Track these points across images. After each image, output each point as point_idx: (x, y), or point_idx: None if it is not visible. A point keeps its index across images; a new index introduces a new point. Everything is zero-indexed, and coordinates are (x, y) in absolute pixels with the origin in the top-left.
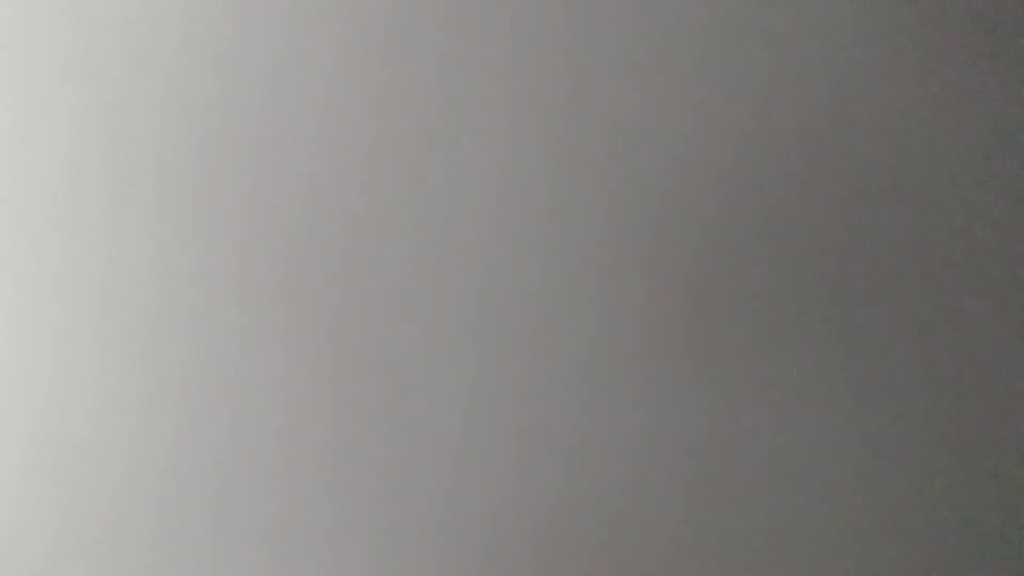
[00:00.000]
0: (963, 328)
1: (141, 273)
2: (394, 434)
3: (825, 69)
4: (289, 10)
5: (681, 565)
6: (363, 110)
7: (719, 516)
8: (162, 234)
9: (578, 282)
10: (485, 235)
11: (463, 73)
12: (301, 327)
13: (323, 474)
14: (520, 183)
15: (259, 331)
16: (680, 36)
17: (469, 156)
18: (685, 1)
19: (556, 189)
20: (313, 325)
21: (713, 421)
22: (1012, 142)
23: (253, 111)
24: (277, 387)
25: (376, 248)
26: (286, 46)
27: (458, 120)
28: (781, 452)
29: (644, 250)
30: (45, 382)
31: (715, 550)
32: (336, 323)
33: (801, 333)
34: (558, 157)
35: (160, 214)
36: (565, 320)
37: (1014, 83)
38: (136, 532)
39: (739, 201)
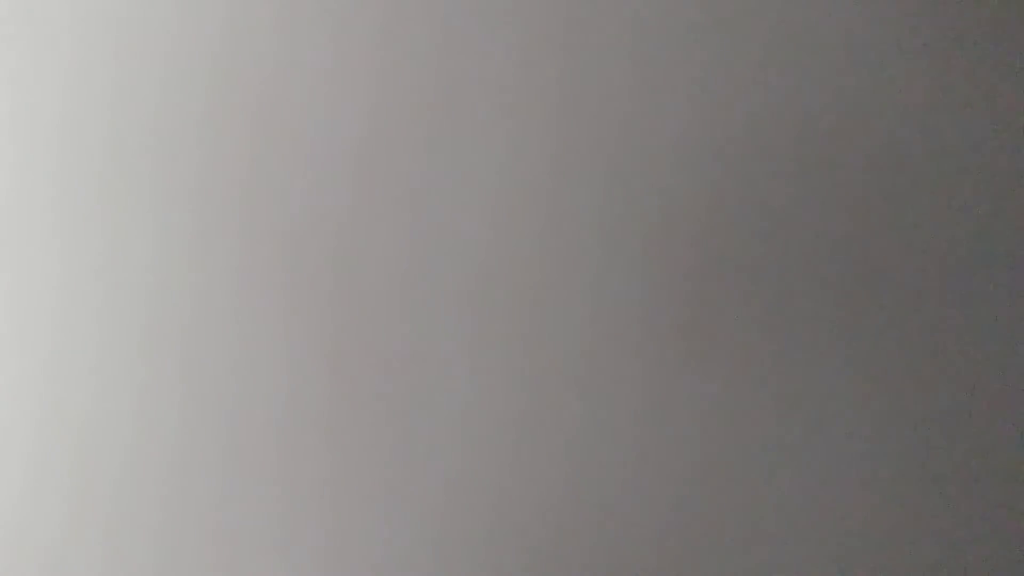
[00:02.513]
0: (964, 324)
1: (140, 268)
2: (393, 429)
3: (824, 68)
4: (288, 7)
5: (681, 561)
6: (362, 107)
7: (720, 512)
8: (161, 228)
9: (577, 279)
10: (483, 233)
11: (460, 72)
12: (301, 324)
13: (324, 469)
14: (518, 181)
15: (259, 326)
16: (678, 34)
17: (466, 154)
18: (683, 1)
19: (554, 186)
20: (314, 322)
21: (713, 417)
22: (1012, 142)
23: (252, 106)
24: (278, 382)
25: (374, 245)
26: (284, 40)
27: (455, 118)
28: (781, 448)
29: (643, 248)
30: (45, 379)
31: (715, 547)
32: (336, 320)
33: (800, 329)
34: (556, 154)
35: (159, 210)
36: (564, 317)
37: (1014, 83)
38: (139, 526)
39: (738, 198)
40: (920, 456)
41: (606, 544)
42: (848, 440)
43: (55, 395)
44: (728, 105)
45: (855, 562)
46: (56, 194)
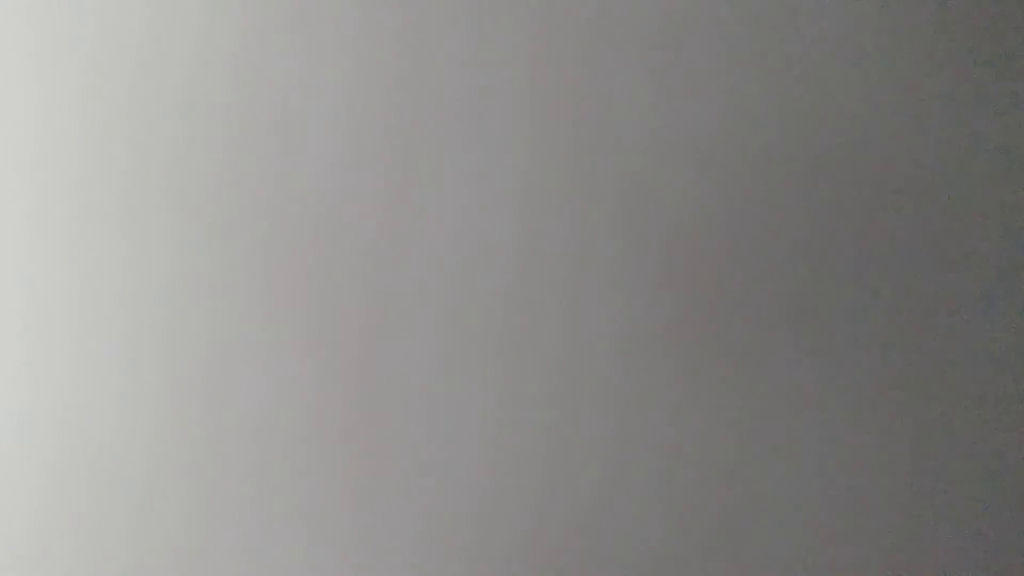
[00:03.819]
0: (959, 329)
1: (160, 276)
2: (415, 439)
3: (835, 80)
4: (306, 11)
5: (675, 566)
6: (382, 114)
7: (718, 518)
8: (181, 236)
9: (587, 284)
10: (483, 237)
11: (478, 77)
12: (322, 330)
13: (347, 476)
14: (517, 186)
15: (279, 333)
16: (695, 41)
17: (482, 159)
18: (700, 7)
19: (567, 191)
20: (334, 328)
21: (712, 424)
22: (1012, 142)
23: (271, 112)
24: (298, 389)
25: (394, 249)
26: (303, 46)
27: (471, 124)
28: (782, 453)
29: (653, 253)
30: (65, 387)
31: (713, 552)
32: (356, 325)
33: (802, 336)
34: (570, 159)
35: (179, 217)
36: (559, 322)
37: (1014, 83)
38: (159, 535)
39: (726, 200)
40: (922, 461)
41: (598, 548)
42: (850, 446)
43: (74, 408)
44: (717, 110)
45: (854, 565)
46: (76, 207)
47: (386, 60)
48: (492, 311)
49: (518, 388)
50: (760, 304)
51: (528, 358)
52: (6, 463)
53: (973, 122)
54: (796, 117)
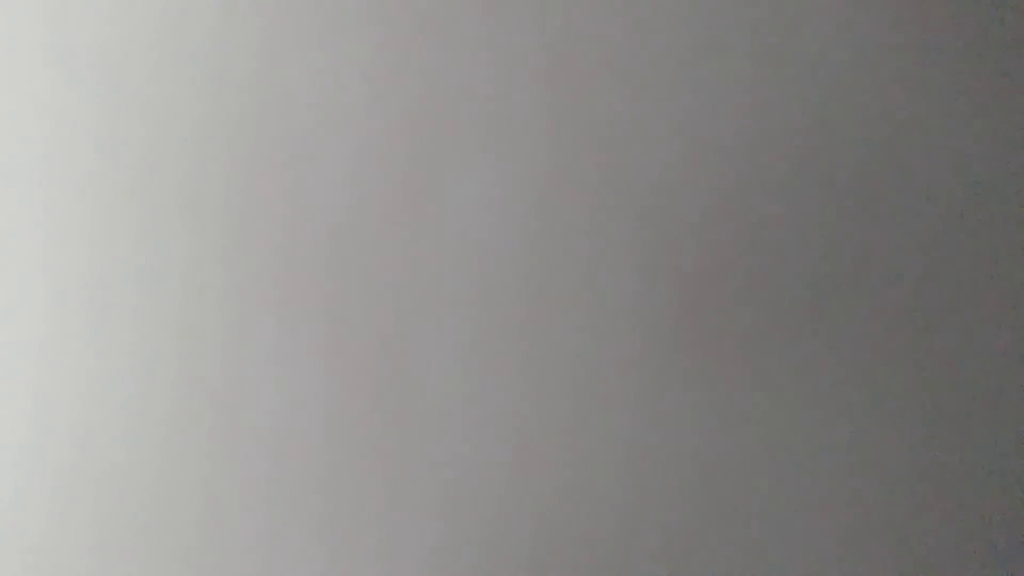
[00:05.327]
0: (960, 328)
1: (174, 284)
2: (390, 438)
3: (820, 71)
4: (322, 18)
5: (678, 565)
6: (398, 121)
7: (715, 518)
8: (195, 244)
9: (573, 285)
10: (481, 240)
11: (461, 77)
12: (338, 338)
13: (362, 485)
14: (516, 188)
15: (294, 342)
16: (676, 41)
17: (465, 159)
18: (683, 5)
19: (551, 194)
20: (350, 337)
21: (709, 424)
22: (1012, 142)
23: (286, 119)
24: (314, 397)
25: (409, 257)
26: (319, 54)
27: (453, 122)
28: (777, 454)
29: (640, 255)
30: (77, 396)
31: (711, 551)
32: (372, 333)
33: (796, 336)
34: (553, 161)
35: (193, 225)
36: (561, 323)
37: (1013, 83)
38: (171, 545)
39: (735, 205)
40: (916, 463)
41: (601, 547)
42: (843, 446)
43: (83, 420)
44: (725, 113)
45: (850, 568)
46: (89, 217)
47: (402, 67)
48: (508, 316)
49: (535, 393)
50: (743, 305)
51: (545, 364)
52: (18, 472)
53: (976, 123)
54: (779, 115)
